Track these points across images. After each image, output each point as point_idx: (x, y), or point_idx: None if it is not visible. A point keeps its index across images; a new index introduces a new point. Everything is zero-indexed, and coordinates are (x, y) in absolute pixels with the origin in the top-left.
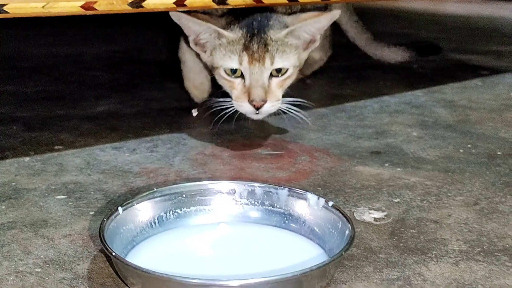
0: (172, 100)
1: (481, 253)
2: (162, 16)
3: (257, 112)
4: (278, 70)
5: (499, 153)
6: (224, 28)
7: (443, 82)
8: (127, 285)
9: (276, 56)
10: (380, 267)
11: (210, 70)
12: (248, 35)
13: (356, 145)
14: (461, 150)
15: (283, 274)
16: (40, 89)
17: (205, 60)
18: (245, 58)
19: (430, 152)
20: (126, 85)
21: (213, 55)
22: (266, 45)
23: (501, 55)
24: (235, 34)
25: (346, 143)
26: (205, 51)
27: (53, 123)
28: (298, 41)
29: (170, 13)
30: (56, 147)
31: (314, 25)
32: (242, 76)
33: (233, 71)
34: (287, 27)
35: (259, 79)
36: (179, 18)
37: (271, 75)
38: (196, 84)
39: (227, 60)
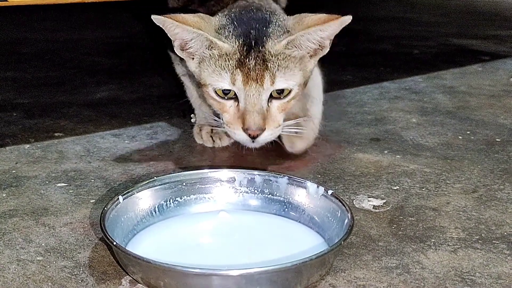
0: (172, 86)
1: (479, 241)
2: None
3: (253, 140)
4: (280, 91)
5: (498, 139)
6: (217, 32)
7: (443, 68)
8: (128, 274)
9: (278, 75)
10: (379, 255)
11: (197, 84)
12: (245, 48)
13: (356, 132)
14: (460, 137)
15: (282, 264)
16: (40, 75)
17: (191, 70)
18: (239, 77)
19: (429, 139)
20: (126, 71)
21: (201, 68)
22: (265, 61)
23: (502, 40)
24: (230, 45)
25: (345, 130)
26: (193, 58)
27: (53, 110)
28: (302, 51)
29: (153, 17)
30: (56, 134)
31: (319, 33)
32: (235, 97)
33: (225, 92)
34: (289, 31)
35: (256, 103)
36: (163, 22)
37: (271, 97)
38: (200, 106)
39: (217, 78)
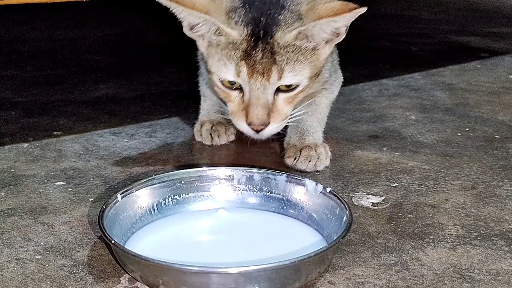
0: (171, 84)
1: (478, 238)
2: None
3: (257, 133)
4: (288, 85)
5: (497, 136)
6: (227, 15)
7: (442, 65)
8: (126, 272)
9: (286, 69)
10: (378, 252)
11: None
12: (253, 38)
13: (355, 129)
14: (459, 134)
15: (281, 261)
16: (39, 74)
17: (201, 50)
18: (244, 69)
19: (428, 136)
20: (125, 69)
21: (209, 52)
22: (273, 53)
23: (501, 37)
24: (238, 32)
25: (344, 127)
26: (203, 39)
27: (52, 108)
28: (314, 43)
29: None
30: (55, 133)
31: (332, 24)
32: (241, 87)
33: (231, 82)
34: (301, 18)
35: (261, 97)
36: (169, 5)
37: (278, 89)
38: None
39: (222, 68)
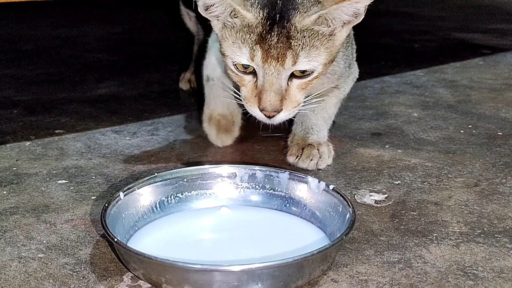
0: (172, 83)
1: (481, 235)
2: None
3: (269, 119)
4: (302, 71)
5: (499, 133)
6: None
7: (444, 62)
8: (129, 270)
9: (301, 55)
10: (381, 250)
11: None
12: (268, 22)
13: (357, 127)
14: (461, 131)
15: (284, 259)
16: (40, 72)
17: (215, 31)
18: (259, 53)
19: (431, 133)
20: (127, 67)
21: (223, 34)
22: (288, 38)
23: (504, 34)
24: (253, 14)
25: (346, 125)
26: (217, 19)
27: (53, 107)
28: (333, 27)
29: None
30: (57, 131)
31: (354, 5)
32: (254, 72)
33: (245, 66)
34: (319, 2)
35: (275, 82)
36: None
37: (292, 75)
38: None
39: (236, 51)
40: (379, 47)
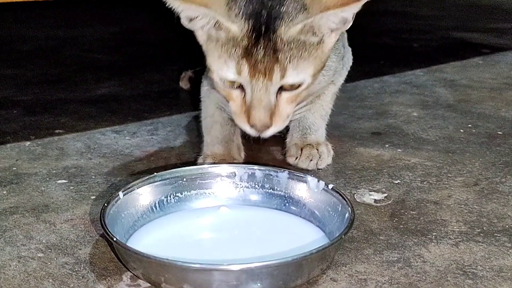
0: (172, 82)
1: (480, 234)
2: None
3: (259, 133)
4: (291, 84)
5: (499, 132)
6: (227, 5)
7: (444, 61)
8: (128, 270)
9: (289, 67)
10: (380, 249)
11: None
12: (254, 35)
13: (357, 126)
14: (461, 130)
15: (283, 258)
16: (40, 72)
17: (200, 42)
18: (245, 68)
19: (431, 132)
20: (126, 67)
21: (208, 47)
22: (275, 51)
23: (503, 33)
24: (238, 27)
25: (346, 124)
26: (202, 29)
27: (53, 107)
28: (320, 35)
29: None
30: (57, 131)
31: (340, 14)
32: (242, 87)
33: (232, 80)
34: (306, 8)
35: (263, 98)
36: (164, 1)
37: (281, 88)
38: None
39: (223, 66)
40: (378, 47)
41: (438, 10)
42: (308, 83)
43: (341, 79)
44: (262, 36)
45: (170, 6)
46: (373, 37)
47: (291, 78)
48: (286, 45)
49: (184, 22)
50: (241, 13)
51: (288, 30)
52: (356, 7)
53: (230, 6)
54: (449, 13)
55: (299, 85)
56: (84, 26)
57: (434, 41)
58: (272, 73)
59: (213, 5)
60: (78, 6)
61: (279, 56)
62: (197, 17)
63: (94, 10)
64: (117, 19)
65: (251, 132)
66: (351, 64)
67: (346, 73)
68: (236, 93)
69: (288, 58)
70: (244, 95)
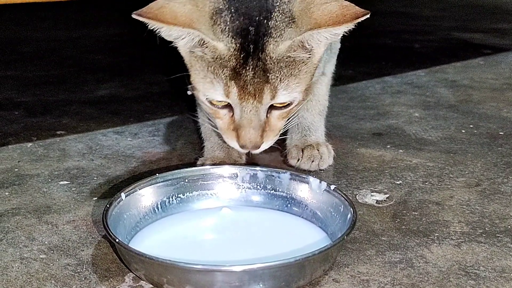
0: (173, 83)
1: (483, 235)
2: None
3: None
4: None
5: (501, 133)
6: (211, 19)
7: (445, 62)
8: (131, 271)
9: (280, 87)
10: (383, 250)
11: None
12: (242, 55)
13: (358, 127)
14: (463, 131)
15: (286, 259)
16: (41, 74)
17: (181, 53)
18: (234, 90)
19: (432, 133)
20: (127, 69)
21: (191, 62)
22: (265, 71)
23: (504, 33)
24: (225, 45)
25: (347, 125)
26: (185, 46)
27: (55, 108)
28: (309, 47)
29: (134, 16)
30: (59, 132)
31: (331, 31)
32: (230, 105)
33: (219, 101)
34: (294, 21)
35: (253, 119)
36: (146, 22)
37: (271, 106)
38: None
39: (209, 87)
40: (379, 47)
41: (440, 10)
42: (300, 100)
43: (331, 68)
44: (251, 56)
45: (153, 28)
46: (374, 38)
47: (281, 98)
48: (275, 64)
49: (165, 37)
50: (227, 28)
51: (277, 48)
52: (346, 27)
53: (215, 20)
54: (451, 13)
55: (290, 103)
56: (84, 27)
57: (435, 41)
58: (262, 95)
59: (197, 22)
60: (78, 8)
61: (269, 77)
62: (181, 36)
63: (95, 11)
64: (117, 20)
65: (241, 150)
66: (338, 47)
67: (335, 58)
68: (223, 112)
69: (279, 78)
70: (233, 114)
